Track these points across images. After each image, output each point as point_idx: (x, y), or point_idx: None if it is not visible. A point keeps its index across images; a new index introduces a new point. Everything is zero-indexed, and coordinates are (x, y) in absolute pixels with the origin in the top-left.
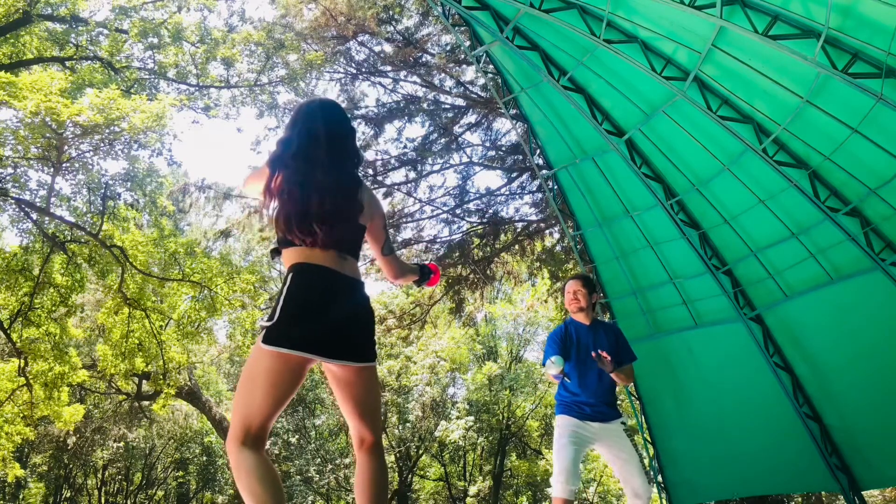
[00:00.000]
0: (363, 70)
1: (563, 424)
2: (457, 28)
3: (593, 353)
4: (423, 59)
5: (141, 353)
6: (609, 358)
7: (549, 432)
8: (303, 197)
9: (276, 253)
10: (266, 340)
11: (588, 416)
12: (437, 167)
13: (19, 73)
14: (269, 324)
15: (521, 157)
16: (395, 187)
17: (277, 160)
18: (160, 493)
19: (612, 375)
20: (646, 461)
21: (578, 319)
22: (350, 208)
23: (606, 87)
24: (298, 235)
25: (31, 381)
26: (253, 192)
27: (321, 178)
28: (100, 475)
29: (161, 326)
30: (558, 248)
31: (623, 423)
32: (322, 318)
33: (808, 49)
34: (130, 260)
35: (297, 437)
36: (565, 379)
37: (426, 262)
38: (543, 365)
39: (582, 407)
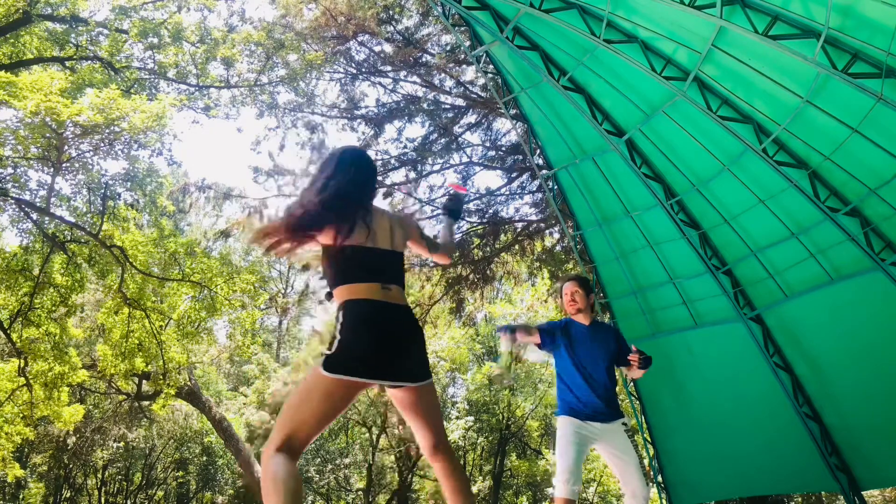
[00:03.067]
0: (363, 70)
1: (564, 425)
2: (457, 28)
3: (630, 356)
4: (423, 59)
5: (141, 353)
6: (638, 357)
7: (549, 432)
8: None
9: (329, 296)
10: (328, 368)
11: (589, 417)
12: (437, 167)
13: (19, 73)
14: (329, 353)
15: (521, 157)
16: (395, 187)
17: (320, 206)
18: (160, 493)
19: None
20: (646, 461)
21: (578, 320)
22: (392, 255)
23: (606, 87)
24: (354, 277)
25: (31, 381)
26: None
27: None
28: (100, 475)
29: (161, 326)
30: (558, 248)
31: (624, 423)
32: (374, 346)
33: (808, 49)
34: (130, 260)
35: None
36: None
37: (449, 192)
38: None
39: (582, 408)
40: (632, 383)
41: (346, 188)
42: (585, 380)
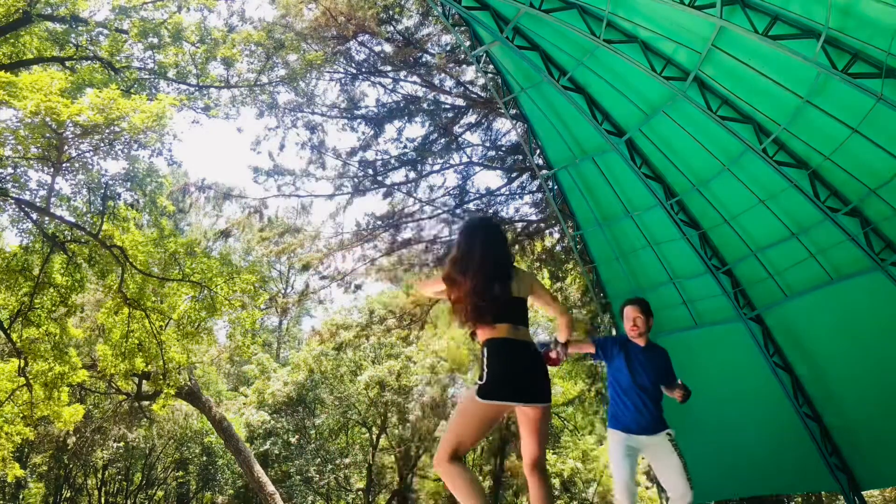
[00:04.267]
0: (363, 70)
1: (614, 439)
2: (457, 28)
3: (676, 391)
4: (423, 59)
5: (141, 353)
6: (682, 393)
7: (549, 432)
8: (490, 295)
9: (473, 335)
10: (481, 395)
11: (635, 431)
12: (437, 167)
13: (19, 73)
14: (481, 383)
15: (521, 157)
16: (395, 187)
17: (461, 269)
18: (160, 493)
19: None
20: (645, 462)
21: (636, 342)
22: (518, 302)
23: (606, 87)
24: (491, 321)
25: (31, 381)
26: (428, 293)
27: (497, 285)
28: (100, 475)
29: (161, 326)
30: (558, 248)
31: (669, 433)
32: (515, 375)
33: (808, 49)
34: (130, 260)
35: (297, 437)
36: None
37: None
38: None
39: (630, 422)
40: None
41: (483, 252)
42: (637, 399)
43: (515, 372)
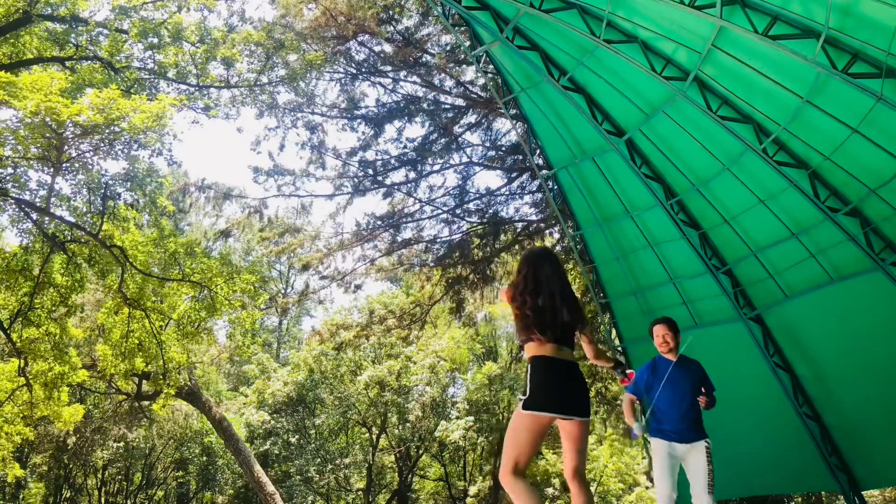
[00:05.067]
0: (363, 70)
1: (657, 448)
2: (457, 28)
3: (700, 398)
4: (423, 59)
5: (141, 353)
6: (705, 400)
7: (550, 433)
8: (552, 314)
9: (521, 348)
10: (525, 407)
11: (675, 440)
12: (437, 167)
13: (19, 73)
14: (525, 397)
15: (521, 157)
16: (395, 187)
17: (525, 291)
18: (160, 493)
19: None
20: (646, 462)
21: (667, 357)
22: (571, 320)
23: (606, 87)
24: (545, 337)
25: (31, 381)
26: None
27: (556, 302)
28: (100, 475)
29: (161, 326)
30: (558, 248)
31: (707, 444)
32: (557, 390)
33: (808, 49)
34: (130, 260)
35: (297, 437)
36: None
37: (626, 367)
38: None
39: (669, 432)
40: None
41: (537, 279)
42: (672, 409)
43: (556, 386)
